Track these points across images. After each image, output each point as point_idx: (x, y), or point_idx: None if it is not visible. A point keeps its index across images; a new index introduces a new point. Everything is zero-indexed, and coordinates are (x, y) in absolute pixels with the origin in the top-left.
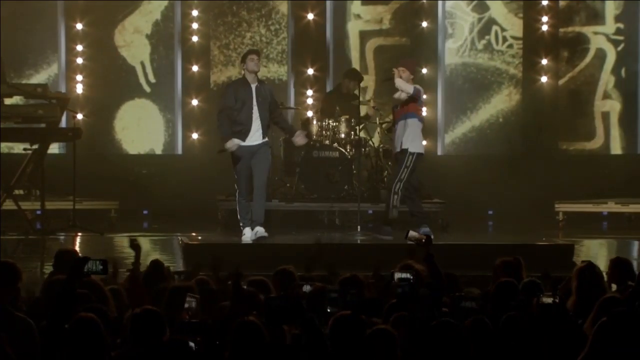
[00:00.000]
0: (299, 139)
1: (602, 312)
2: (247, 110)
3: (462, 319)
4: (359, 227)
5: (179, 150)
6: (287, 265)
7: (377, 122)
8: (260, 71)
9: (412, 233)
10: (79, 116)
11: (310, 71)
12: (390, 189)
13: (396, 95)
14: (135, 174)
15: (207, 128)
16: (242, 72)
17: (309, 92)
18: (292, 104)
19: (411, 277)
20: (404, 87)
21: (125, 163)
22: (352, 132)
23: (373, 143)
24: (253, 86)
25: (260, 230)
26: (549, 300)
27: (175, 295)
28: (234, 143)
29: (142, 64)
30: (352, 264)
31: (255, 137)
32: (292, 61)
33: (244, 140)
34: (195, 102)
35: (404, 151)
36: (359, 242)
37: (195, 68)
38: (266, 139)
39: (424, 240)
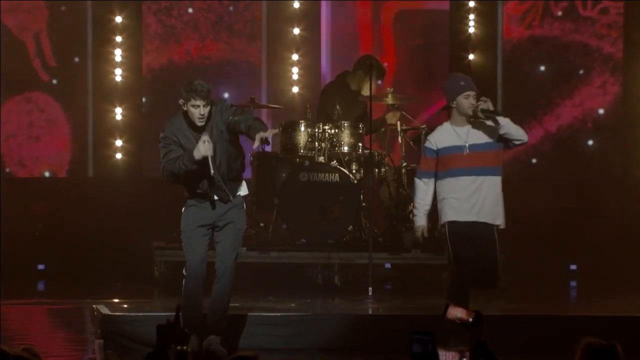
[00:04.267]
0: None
1: None
2: (198, 175)
3: None
4: (370, 289)
5: (91, 172)
6: (249, 349)
7: (399, 130)
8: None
9: (453, 310)
10: None
11: (295, 55)
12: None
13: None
14: (26, 208)
15: (135, 137)
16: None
17: (294, 79)
18: (266, 100)
19: None
20: (517, 132)
21: (11, 192)
22: (361, 144)
23: (392, 161)
24: (200, 127)
25: (214, 342)
26: None
27: None
28: (206, 139)
29: (37, 39)
30: (361, 345)
31: (220, 195)
32: (267, 35)
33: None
34: (118, 109)
35: (492, 228)
36: (370, 312)
37: (119, 43)
38: (239, 192)
39: (471, 320)
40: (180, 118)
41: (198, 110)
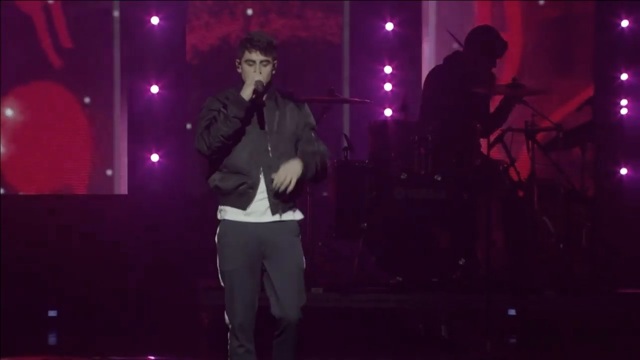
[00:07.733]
0: None
1: None
2: (248, 148)
3: None
4: (488, 343)
5: (121, 189)
6: None
7: (527, 129)
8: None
9: None
10: None
11: (390, 26)
12: None
13: None
14: (32, 236)
15: (178, 142)
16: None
17: (388, 69)
18: (349, 92)
19: None
20: None
21: (12, 213)
22: (475, 150)
23: (517, 171)
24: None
25: None
26: None
27: None
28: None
29: (47, 13)
30: None
31: (266, 203)
32: (350, 6)
33: (244, 208)
34: (155, 89)
35: None
36: None
37: (155, 21)
38: (294, 212)
39: None
40: (233, 90)
41: (253, 67)
